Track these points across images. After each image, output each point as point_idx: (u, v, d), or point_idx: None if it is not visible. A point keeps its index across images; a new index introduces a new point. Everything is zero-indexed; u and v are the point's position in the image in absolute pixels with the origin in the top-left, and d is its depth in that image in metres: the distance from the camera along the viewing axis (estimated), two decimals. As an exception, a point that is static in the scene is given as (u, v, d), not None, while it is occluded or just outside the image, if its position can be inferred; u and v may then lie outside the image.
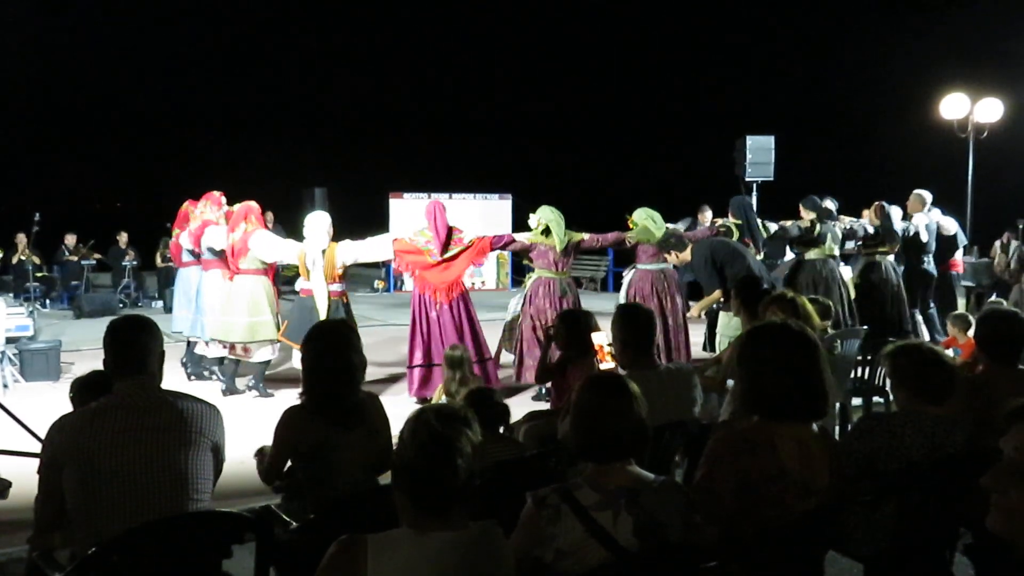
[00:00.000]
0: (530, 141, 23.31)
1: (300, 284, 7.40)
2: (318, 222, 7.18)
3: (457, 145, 22.91)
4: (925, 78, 15.71)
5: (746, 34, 22.93)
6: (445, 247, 7.04)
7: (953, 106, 13.60)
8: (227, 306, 7.36)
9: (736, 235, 7.89)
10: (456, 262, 7.09)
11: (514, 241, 7.43)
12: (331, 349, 3.29)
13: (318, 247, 7.06)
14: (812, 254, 8.30)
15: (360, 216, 8.00)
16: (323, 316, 6.87)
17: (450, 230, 7.15)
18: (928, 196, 9.31)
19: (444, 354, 6.18)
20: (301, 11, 23.95)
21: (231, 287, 7.38)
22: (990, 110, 13.48)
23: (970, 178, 13.79)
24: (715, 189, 13.04)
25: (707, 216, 11.95)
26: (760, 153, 12.14)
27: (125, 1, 20.29)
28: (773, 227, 8.42)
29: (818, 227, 8.27)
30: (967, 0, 18.12)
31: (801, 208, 8.43)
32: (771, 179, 12.24)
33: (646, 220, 7.66)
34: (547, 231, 7.20)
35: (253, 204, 7.55)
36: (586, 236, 7.51)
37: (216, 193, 8.06)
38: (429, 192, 15.55)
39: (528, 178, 18.86)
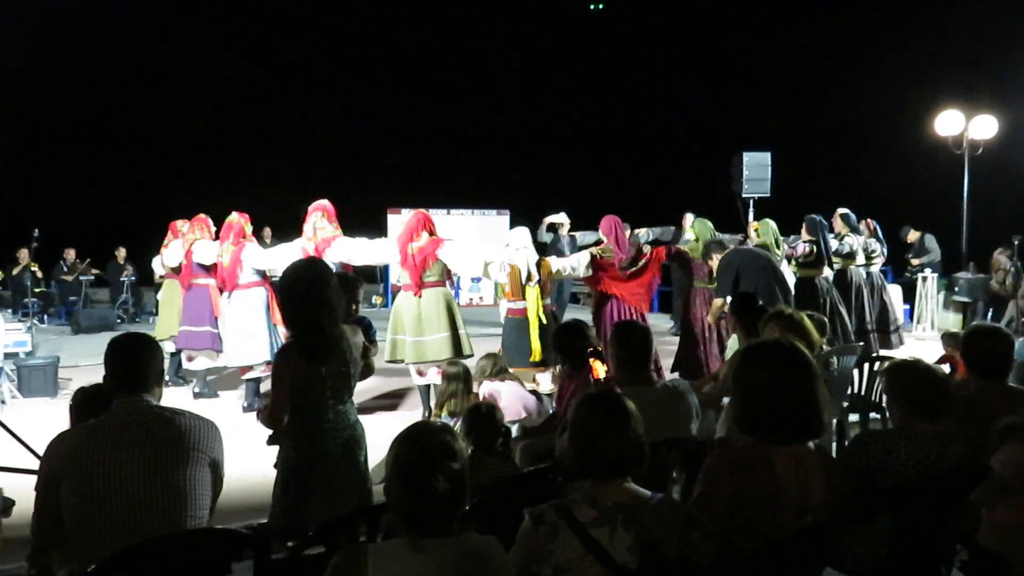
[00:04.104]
0: (527, 156, 23.36)
1: (507, 304, 7.07)
2: (525, 237, 6.94)
3: (454, 161, 22.95)
4: (920, 95, 15.79)
5: (742, 50, 23.03)
6: (628, 259, 7.25)
7: (948, 123, 13.69)
8: (421, 324, 6.71)
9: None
10: (645, 275, 7.31)
11: (680, 253, 7.80)
12: (310, 284, 3.48)
13: (531, 261, 6.81)
14: (811, 272, 8.55)
15: (358, 231, 7.95)
16: (536, 334, 6.67)
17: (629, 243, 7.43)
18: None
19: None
20: (296, 27, 24.05)
21: (420, 302, 6.79)
22: (985, 127, 13.57)
23: (965, 195, 13.85)
24: (712, 204, 13.09)
25: (689, 223, 12.29)
26: (757, 169, 12.17)
27: (123, 18, 20.34)
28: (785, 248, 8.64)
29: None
30: (961, 17, 18.23)
31: (805, 230, 8.72)
32: (768, 195, 12.28)
33: (768, 235, 8.17)
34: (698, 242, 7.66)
35: (425, 213, 7.17)
36: (730, 247, 7.88)
37: (327, 203, 7.58)
38: (427, 208, 15.57)
39: (525, 193, 18.91)
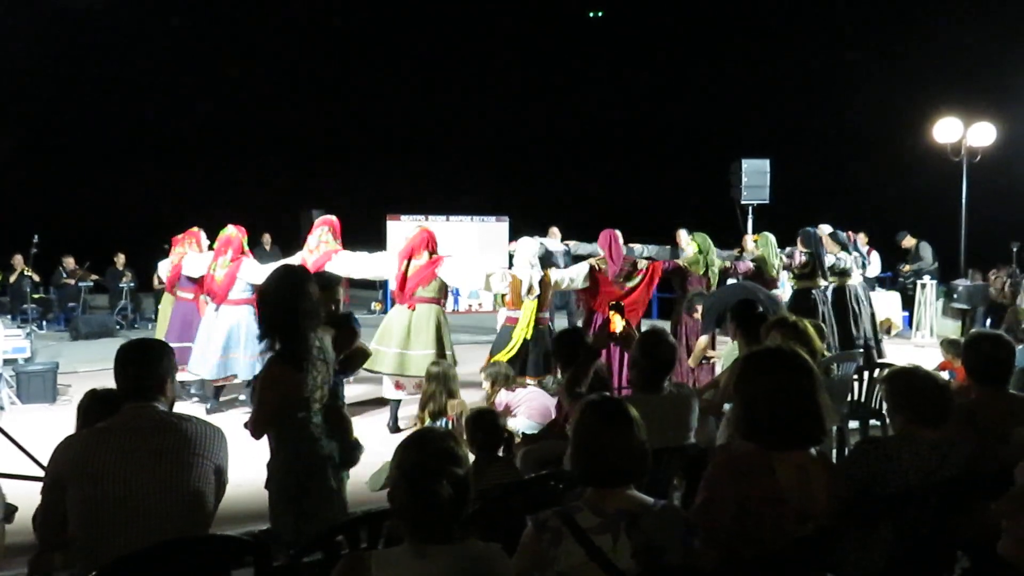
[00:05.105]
0: (527, 164, 23.37)
1: (506, 312, 7.07)
2: (531, 248, 6.91)
3: (454, 167, 22.94)
4: (918, 102, 15.83)
5: (741, 57, 23.08)
6: (623, 274, 7.26)
7: (946, 130, 13.73)
8: (409, 338, 6.72)
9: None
10: (639, 291, 7.34)
11: (678, 267, 7.79)
12: (290, 292, 3.43)
13: (535, 274, 6.80)
14: (807, 284, 8.55)
15: (357, 238, 7.97)
16: (518, 341, 6.72)
17: (623, 258, 7.40)
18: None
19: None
20: (296, 32, 24.09)
21: (412, 316, 6.77)
22: (983, 134, 13.61)
23: (963, 202, 13.88)
24: (712, 211, 13.11)
25: (683, 239, 12.32)
26: (756, 176, 12.20)
27: (123, 23, 20.39)
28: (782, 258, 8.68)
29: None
30: (960, 25, 18.30)
31: (800, 243, 8.72)
32: (767, 202, 12.30)
33: (767, 247, 8.32)
34: (698, 258, 7.71)
35: (430, 231, 7.11)
36: (727, 263, 8.09)
37: (334, 218, 7.55)
38: (426, 215, 15.59)
39: (525, 201, 18.90)
